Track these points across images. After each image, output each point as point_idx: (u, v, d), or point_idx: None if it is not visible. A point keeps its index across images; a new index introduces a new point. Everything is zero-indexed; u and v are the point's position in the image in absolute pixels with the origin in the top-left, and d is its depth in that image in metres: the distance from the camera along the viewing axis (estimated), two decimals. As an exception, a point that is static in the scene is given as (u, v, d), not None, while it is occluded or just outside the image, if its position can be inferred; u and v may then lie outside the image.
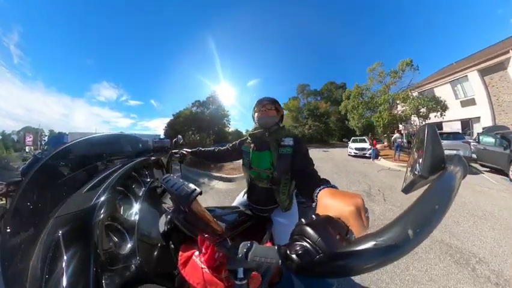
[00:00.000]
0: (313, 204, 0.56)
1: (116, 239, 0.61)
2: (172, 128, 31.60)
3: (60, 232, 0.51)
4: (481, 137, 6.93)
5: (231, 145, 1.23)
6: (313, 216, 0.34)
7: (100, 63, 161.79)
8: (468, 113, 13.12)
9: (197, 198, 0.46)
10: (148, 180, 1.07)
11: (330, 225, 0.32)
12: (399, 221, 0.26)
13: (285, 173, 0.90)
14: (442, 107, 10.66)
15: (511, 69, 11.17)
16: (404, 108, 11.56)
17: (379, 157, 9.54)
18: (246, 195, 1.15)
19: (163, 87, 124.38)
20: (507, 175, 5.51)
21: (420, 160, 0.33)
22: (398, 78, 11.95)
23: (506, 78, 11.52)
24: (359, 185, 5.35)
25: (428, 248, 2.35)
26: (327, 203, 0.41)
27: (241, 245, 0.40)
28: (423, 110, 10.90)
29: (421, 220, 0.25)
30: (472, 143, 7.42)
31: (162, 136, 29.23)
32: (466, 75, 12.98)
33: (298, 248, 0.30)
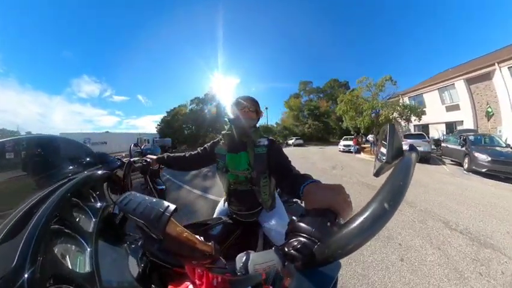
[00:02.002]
0: (299, 200, 0.55)
1: None
2: (170, 127, 30.10)
3: None
4: (445, 137, 8.88)
5: (201, 149, 1.10)
6: (302, 212, 0.38)
7: (79, 55, 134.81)
8: (452, 116, 14.11)
9: (172, 217, 0.37)
10: (99, 205, 0.77)
11: (320, 216, 0.35)
12: (376, 198, 0.31)
13: (262, 172, 0.89)
14: (417, 113, 12.59)
15: (495, 79, 12.12)
16: (385, 113, 13.38)
17: (361, 152, 11.76)
18: (226, 203, 1.07)
19: (152, 81, 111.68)
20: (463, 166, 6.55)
21: (385, 150, 0.40)
22: (380, 90, 14.37)
23: (490, 87, 12.48)
24: (330, 164, 7.89)
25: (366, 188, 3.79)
26: (314, 197, 0.45)
27: (236, 259, 0.37)
28: (407, 114, 12.53)
29: (392, 194, 0.31)
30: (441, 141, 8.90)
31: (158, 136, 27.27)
32: (453, 84, 13.96)
33: (296, 244, 0.32)
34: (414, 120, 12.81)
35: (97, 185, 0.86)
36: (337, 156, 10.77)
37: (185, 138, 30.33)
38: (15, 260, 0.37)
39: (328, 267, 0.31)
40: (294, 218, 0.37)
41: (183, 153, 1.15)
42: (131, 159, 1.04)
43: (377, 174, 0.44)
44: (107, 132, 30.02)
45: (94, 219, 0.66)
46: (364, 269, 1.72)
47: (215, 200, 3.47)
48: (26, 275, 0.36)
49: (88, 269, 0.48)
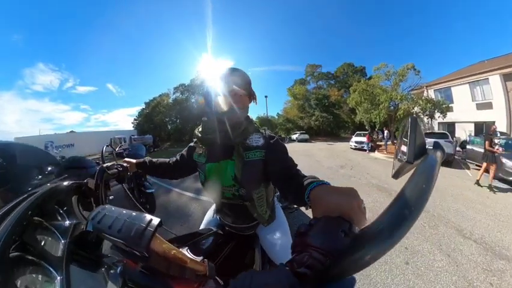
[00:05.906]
0: (305, 208, 0.54)
1: None
2: (150, 121, 28.12)
3: None
4: (471, 139, 8.81)
5: (179, 155, 0.97)
6: (310, 221, 0.36)
7: (31, 38, 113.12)
8: (483, 116, 13.73)
9: (157, 232, 0.34)
10: (68, 224, 0.69)
11: (331, 225, 0.34)
12: (395, 204, 0.31)
13: (255, 186, 0.75)
14: (441, 109, 12.35)
15: (537, 76, 11.58)
16: (404, 107, 13.04)
17: (375, 150, 11.63)
18: (216, 213, 1.00)
19: (124, 66, 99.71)
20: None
21: (406, 148, 0.39)
22: (400, 81, 14.13)
23: (529, 85, 11.95)
24: (338, 162, 8.07)
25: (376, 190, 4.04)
26: (323, 202, 0.42)
27: (238, 279, 0.33)
28: (430, 109, 12.23)
29: (413, 199, 0.31)
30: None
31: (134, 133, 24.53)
32: (487, 78, 13.44)
33: (305, 260, 0.30)
34: (439, 117, 12.46)
35: (64, 199, 0.77)
36: (347, 154, 10.74)
37: (169, 134, 28.59)
38: None
39: (342, 282, 0.30)
40: (301, 229, 0.34)
41: (168, 159, 1.03)
42: (104, 165, 0.92)
43: (397, 175, 0.43)
44: (72, 132, 27.69)
45: (62, 241, 0.61)
46: (366, 269, 1.84)
47: (207, 201, 3.57)
48: None
49: None
